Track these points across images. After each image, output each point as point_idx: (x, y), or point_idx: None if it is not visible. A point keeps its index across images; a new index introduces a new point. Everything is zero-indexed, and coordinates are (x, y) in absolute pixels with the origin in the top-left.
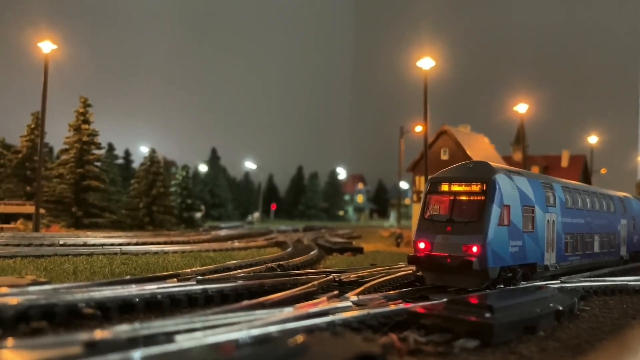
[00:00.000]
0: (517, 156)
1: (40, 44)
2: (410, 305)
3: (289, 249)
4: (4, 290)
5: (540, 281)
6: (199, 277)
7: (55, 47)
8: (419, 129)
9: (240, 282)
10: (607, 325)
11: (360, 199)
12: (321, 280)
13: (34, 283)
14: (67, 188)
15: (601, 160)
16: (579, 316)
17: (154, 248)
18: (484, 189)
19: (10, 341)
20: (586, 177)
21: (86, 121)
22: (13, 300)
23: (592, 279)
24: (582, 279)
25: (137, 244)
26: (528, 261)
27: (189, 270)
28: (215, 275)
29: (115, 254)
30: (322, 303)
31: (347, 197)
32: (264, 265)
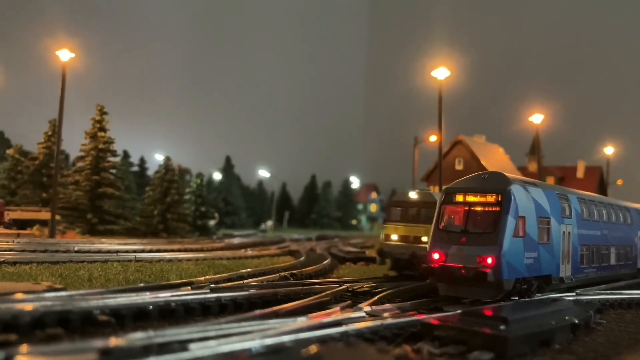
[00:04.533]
0: (533, 167)
1: (58, 52)
2: (424, 317)
3: (302, 258)
4: (21, 296)
5: (555, 293)
6: (213, 286)
7: (72, 55)
8: (433, 138)
9: (253, 291)
10: (624, 339)
11: (373, 208)
12: (334, 290)
13: (50, 289)
14: (83, 195)
15: (617, 172)
16: (595, 330)
17: (168, 255)
18: (499, 199)
19: (26, 347)
20: (602, 189)
21: (102, 129)
22: (29, 307)
23: (609, 291)
24: (598, 291)
25: (151, 251)
26: (543, 273)
27: (203, 278)
28: (229, 283)
29: (130, 261)
30: (335, 313)
31: (360, 206)
32: (277, 274)
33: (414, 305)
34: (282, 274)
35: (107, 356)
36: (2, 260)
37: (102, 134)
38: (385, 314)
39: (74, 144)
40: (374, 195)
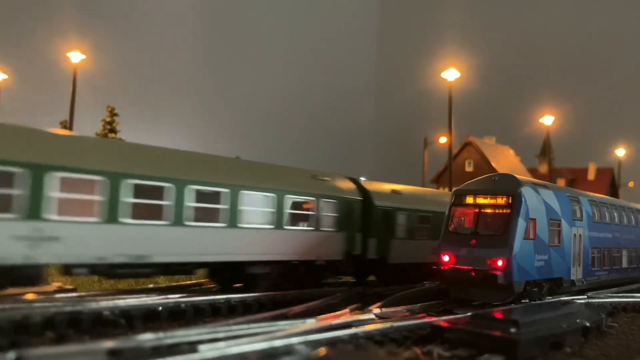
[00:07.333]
0: (543, 168)
1: (69, 54)
2: (433, 319)
3: None
4: (32, 297)
5: (566, 296)
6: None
7: (84, 57)
8: (443, 140)
9: (263, 292)
10: (636, 343)
11: None
12: (344, 292)
13: (61, 290)
14: None
15: (629, 174)
16: (606, 333)
17: None
18: (510, 201)
19: (37, 347)
20: (614, 191)
21: (113, 130)
22: (40, 307)
23: (620, 294)
24: (610, 294)
25: None
26: (554, 276)
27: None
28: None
29: None
30: (344, 315)
31: None
32: None
33: (424, 307)
34: None
35: (116, 357)
36: None
37: (113, 135)
38: (395, 317)
39: None
40: None
